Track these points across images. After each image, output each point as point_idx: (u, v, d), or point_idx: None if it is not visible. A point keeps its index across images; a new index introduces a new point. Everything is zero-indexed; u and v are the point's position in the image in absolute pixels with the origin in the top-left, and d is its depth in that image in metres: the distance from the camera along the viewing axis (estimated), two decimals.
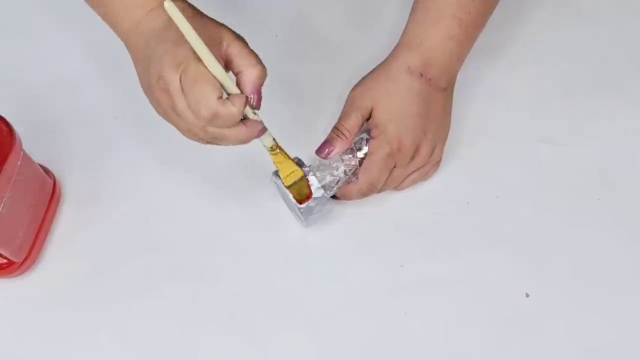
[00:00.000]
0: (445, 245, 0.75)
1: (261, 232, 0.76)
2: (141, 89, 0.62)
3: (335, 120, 0.74)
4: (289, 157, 0.68)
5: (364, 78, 0.73)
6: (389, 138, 0.70)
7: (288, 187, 0.70)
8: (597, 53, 0.85)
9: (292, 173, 0.69)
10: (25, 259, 0.73)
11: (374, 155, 0.71)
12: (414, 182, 0.75)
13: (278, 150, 0.67)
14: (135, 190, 0.79)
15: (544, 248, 0.74)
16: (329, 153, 0.72)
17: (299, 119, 0.81)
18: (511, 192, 0.77)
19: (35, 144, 0.74)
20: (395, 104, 0.70)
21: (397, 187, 0.75)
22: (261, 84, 0.60)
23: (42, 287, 0.74)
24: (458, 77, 0.75)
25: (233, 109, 0.57)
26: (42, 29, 0.90)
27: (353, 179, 0.73)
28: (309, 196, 0.70)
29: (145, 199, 0.79)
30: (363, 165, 0.72)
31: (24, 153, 0.70)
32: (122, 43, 0.65)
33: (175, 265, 0.75)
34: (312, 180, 0.70)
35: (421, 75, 0.70)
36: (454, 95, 0.75)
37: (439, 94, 0.72)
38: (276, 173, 0.70)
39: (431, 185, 0.78)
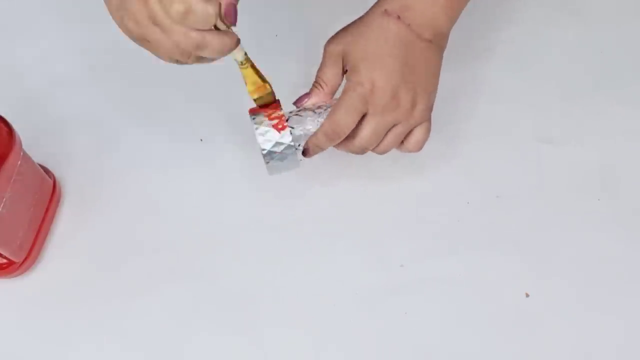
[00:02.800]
0: (445, 245, 0.75)
1: (261, 231, 0.76)
2: (112, 18, 0.60)
3: None
4: (259, 72, 0.65)
5: (344, 27, 0.68)
6: (360, 77, 0.64)
7: (255, 101, 0.66)
8: (597, 53, 0.85)
9: (259, 87, 0.65)
10: (25, 259, 0.73)
11: (344, 95, 0.65)
12: (397, 141, 0.69)
13: (248, 65, 0.64)
14: (135, 190, 0.79)
15: (544, 248, 0.74)
16: (302, 101, 0.68)
17: None
18: (511, 192, 0.77)
19: (35, 144, 0.74)
20: (369, 44, 0.65)
21: (379, 147, 0.69)
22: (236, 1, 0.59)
23: (42, 287, 0.74)
24: (458, 77, 0.74)
25: (208, 7, 0.56)
26: (42, 29, 0.90)
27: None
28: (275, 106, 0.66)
29: (145, 199, 0.79)
30: (332, 109, 0.66)
31: (24, 153, 0.70)
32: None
33: (175, 265, 0.75)
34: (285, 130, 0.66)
35: (398, 17, 0.65)
36: (454, 95, 0.75)
37: (422, 43, 0.66)
38: (253, 118, 0.66)
39: (431, 185, 0.78)
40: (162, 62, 0.62)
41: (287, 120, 0.66)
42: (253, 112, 0.66)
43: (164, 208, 0.78)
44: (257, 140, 0.65)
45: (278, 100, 0.66)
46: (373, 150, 0.68)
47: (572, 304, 0.72)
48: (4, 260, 0.73)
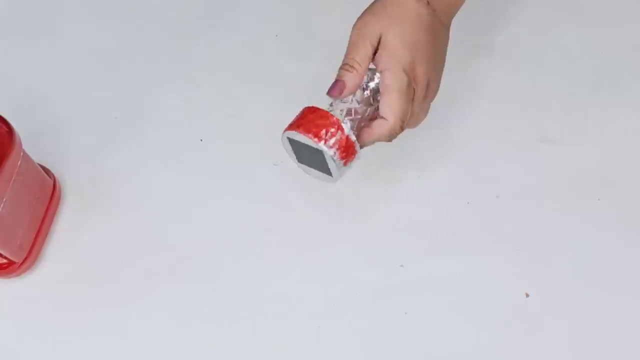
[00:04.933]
0: (445, 245, 0.75)
1: (261, 231, 0.76)
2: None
3: None
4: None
5: (367, 8, 0.67)
6: (404, 65, 0.63)
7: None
8: (597, 53, 0.86)
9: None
10: (25, 259, 0.73)
11: (394, 87, 0.63)
12: (420, 121, 0.69)
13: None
14: (135, 190, 0.79)
15: (544, 248, 0.74)
16: (341, 91, 0.64)
17: None
18: (511, 192, 0.77)
19: (35, 144, 0.74)
20: (407, 30, 0.64)
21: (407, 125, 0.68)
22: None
23: (42, 287, 0.74)
24: (458, 78, 0.75)
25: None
26: (42, 29, 0.90)
27: (369, 111, 0.66)
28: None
29: (145, 199, 0.79)
30: (385, 103, 0.64)
31: (24, 153, 0.70)
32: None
33: (175, 265, 0.75)
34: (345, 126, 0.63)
35: (428, 3, 0.65)
36: (454, 95, 0.75)
37: (443, 28, 0.67)
38: (288, 137, 0.64)
39: (431, 185, 0.78)
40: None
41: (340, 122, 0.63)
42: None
43: (164, 208, 0.78)
44: (316, 158, 0.64)
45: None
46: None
47: (572, 304, 0.72)
48: (4, 260, 0.73)
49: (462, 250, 0.74)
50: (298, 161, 0.68)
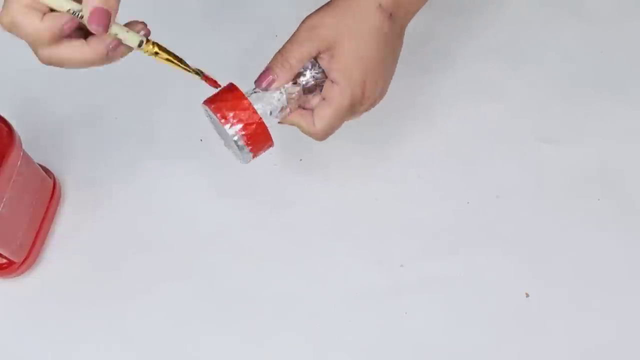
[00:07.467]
0: (445, 245, 0.75)
1: (261, 232, 0.76)
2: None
3: None
4: (176, 58, 0.61)
5: (326, 6, 0.62)
6: (353, 85, 0.60)
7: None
8: (597, 53, 0.85)
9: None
10: (25, 259, 0.73)
11: (336, 103, 0.60)
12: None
13: (156, 48, 0.59)
14: (135, 190, 0.79)
15: (544, 248, 0.74)
16: (269, 84, 0.61)
17: None
18: (511, 192, 0.77)
19: (35, 144, 0.74)
20: (362, 45, 0.60)
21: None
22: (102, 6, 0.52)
23: (42, 287, 0.74)
24: (458, 78, 0.74)
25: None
26: None
27: (293, 107, 0.62)
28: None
29: (145, 199, 0.79)
30: (320, 112, 0.61)
31: (24, 153, 0.70)
32: None
33: (175, 265, 0.75)
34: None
35: (390, 15, 0.61)
36: (454, 96, 0.75)
37: (398, 39, 0.63)
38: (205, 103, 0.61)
39: (431, 185, 0.78)
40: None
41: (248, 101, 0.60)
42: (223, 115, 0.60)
43: (164, 208, 0.78)
44: (224, 131, 0.60)
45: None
46: None
47: (572, 304, 0.72)
48: (4, 260, 0.73)
49: (462, 250, 0.74)
50: (216, 132, 0.65)
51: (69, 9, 0.52)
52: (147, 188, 0.79)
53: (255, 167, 0.77)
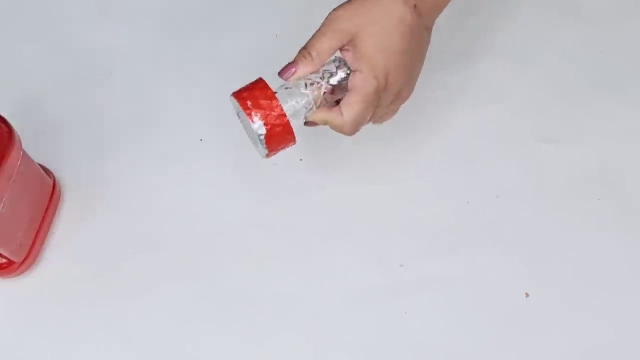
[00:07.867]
0: (445, 245, 0.75)
1: (261, 232, 0.76)
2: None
3: None
4: None
5: (349, 1, 0.63)
6: (377, 72, 0.61)
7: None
8: (596, 53, 0.85)
9: None
10: (25, 259, 0.73)
11: (361, 90, 0.62)
12: (385, 120, 0.68)
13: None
14: (135, 190, 0.79)
15: (543, 248, 0.74)
16: (289, 75, 0.62)
17: None
18: (511, 192, 0.77)
19: (35, 144, 0.74)
20: (386, 35, 0.61)
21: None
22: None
23: (42, 287, 0.74)
24: (458, 78, 0.74)
25: None
26: (43, 29, 0.90)
27: (321, 106, 0.64)
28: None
29: (145, 199, 0.79)
30: (346, 101, 0.62)
31: (24, 153, 0.70)
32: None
33: (175, 265, 0.75)
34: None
35: (415, 7, 0.62)
36: (454, 95, 0.75)
37: (425, 33, 0.64)
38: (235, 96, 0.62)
39: (431, 185, 0.78)
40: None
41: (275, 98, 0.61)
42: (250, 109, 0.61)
43: (163, 208, 0.78)
44: (251, 127, 0.62)
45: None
46: None
47: (572, 304, 0.72)
48: (4, 260, 0.73)
49: (461, 250, 0.74)
50: (240, 122, 0.66)
51: None
52: (147, 188, 0.79)
53: (256, 168, 0.78)
